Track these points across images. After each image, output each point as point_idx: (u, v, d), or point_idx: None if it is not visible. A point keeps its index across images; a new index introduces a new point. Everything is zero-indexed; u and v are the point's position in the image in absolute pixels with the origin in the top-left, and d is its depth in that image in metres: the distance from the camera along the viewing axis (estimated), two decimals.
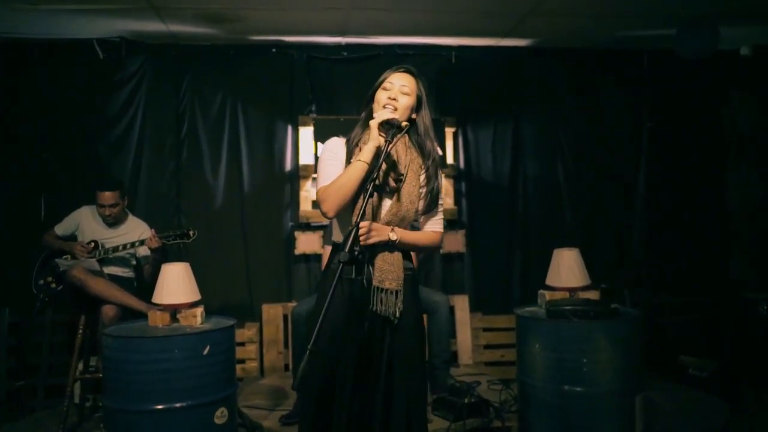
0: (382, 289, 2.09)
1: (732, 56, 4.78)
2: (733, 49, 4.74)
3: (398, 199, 2.15)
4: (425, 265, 4.63)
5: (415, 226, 2.28)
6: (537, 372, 3.05)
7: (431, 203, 2.23)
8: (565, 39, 4.61)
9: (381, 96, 2.20)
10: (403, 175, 2.17)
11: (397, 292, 2.11)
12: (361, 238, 2.03)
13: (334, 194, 2.09)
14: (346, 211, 2.12)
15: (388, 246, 2.13)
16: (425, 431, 2.21)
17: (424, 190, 2.21)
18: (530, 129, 4.87)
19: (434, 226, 2.27)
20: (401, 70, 2.23)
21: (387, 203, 2.16)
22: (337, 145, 2.25)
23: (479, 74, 4.78)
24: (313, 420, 2.10)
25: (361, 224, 2.02)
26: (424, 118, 2.25)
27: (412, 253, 2.31)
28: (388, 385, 2.09)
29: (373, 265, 2.10)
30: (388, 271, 2.11)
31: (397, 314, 2.10)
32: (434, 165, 2.24)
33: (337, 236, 2.24)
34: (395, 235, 2.12)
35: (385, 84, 2.21)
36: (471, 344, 4.54)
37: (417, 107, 2.23)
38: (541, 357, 3.03)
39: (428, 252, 2.48)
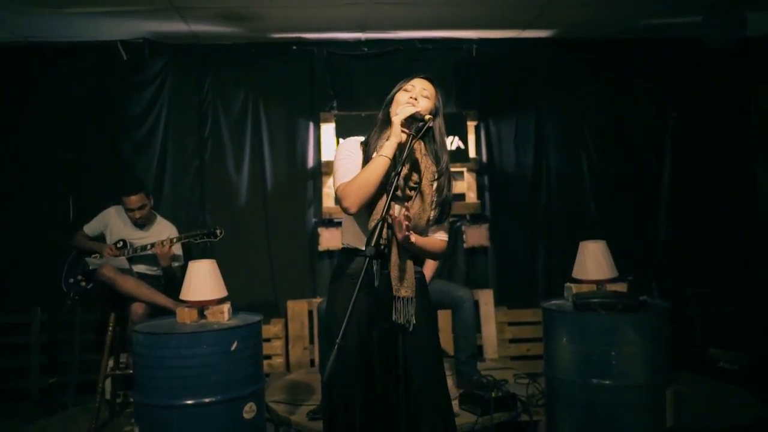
0: (398, 298, 2.12)
1: (760, 42, 4.68)
2: (761, 35, 4.64)
3: (412, 207, 2.15)
4: (449, 260, 4.61)
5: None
6: (564, 365, 3.04)
7: (442, 214, 2.21)
8: (587, 29, 4.54)
9: (402, 96, 2.21)
10: (418, 183, 2.17)
11: (411, 299, 2.13)
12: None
13: (356, 190, 2.10)
14: (364, 210, 2.12)
15: (402, 251, 2.12)
16: (452, 424, 2.24)
17: (436, 199, 2.19)
18: (553, 121, 4.81)
19: (441, 234, 2.26)
20: (422, 75, 2.26)
21: (398, 210, 2.15)
22: (353, 144, 2.26)
23: (500, 67, 4.74)
24: (337, 416, 2.13)
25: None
26: (440, 127, 2.25)
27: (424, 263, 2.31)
28: (408, 384, 2.11)
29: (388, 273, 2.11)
30: (402, 279, 2.13)
31: (413, 321, 2.12)
32: (447, 175, 2.22)
33: (350, 239, 2.23)
34: (413, 236, 2.10)
35: (406, 86, 2.23)
36: (496, 338, 4.52)
37: (434, 115, 2.21)
38: (568, 350, 3.01)
39: (432, 259, 2.53)
